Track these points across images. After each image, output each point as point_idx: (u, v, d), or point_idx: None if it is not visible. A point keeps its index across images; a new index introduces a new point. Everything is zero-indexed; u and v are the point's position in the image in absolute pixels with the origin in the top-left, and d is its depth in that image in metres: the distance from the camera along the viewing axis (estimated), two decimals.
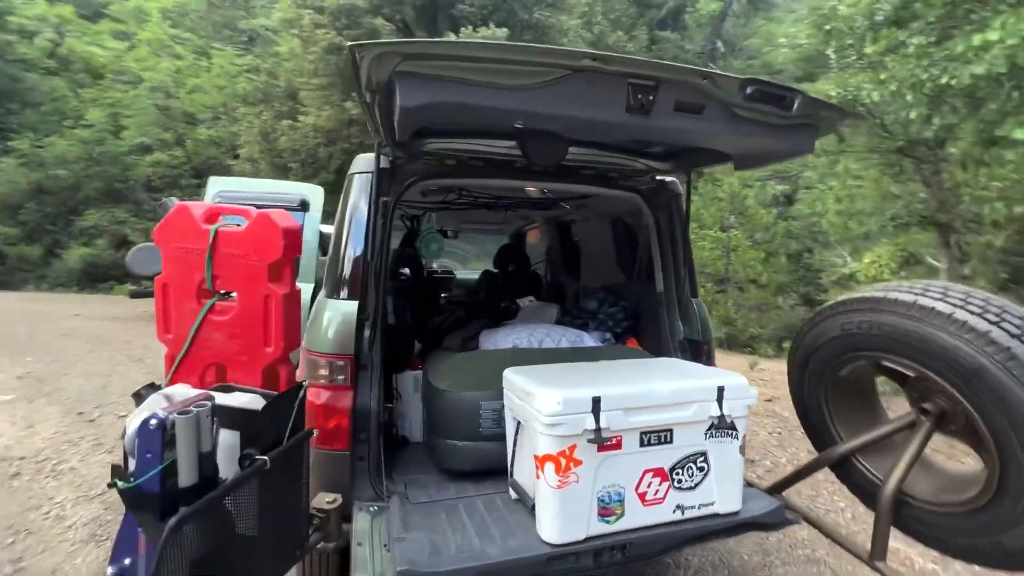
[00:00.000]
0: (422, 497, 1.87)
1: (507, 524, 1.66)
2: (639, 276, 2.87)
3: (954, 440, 1.72)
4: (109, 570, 1.23)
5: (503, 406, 1.97)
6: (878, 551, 1.69)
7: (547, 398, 1.49)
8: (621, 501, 1.57)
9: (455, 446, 1.99)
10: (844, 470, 1.90)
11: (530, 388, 1.59)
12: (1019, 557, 1.42)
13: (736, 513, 1.72)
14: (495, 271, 4.19)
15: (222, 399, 1.37)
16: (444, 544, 1.53)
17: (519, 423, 1.76)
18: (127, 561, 1.22)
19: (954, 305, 1.46)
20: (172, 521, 1.12)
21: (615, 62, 1.33)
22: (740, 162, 1.93)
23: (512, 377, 1.77)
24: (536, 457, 1.55)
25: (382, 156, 2.04)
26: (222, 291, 1.53)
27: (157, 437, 1.15)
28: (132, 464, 1.24)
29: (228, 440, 1.39)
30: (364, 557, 1.57)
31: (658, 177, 2.50)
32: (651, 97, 1.41)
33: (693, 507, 1.66)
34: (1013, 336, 1.34)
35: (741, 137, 1.59)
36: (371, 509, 1.81)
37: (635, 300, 2.93)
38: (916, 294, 1.56)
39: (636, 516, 1.59)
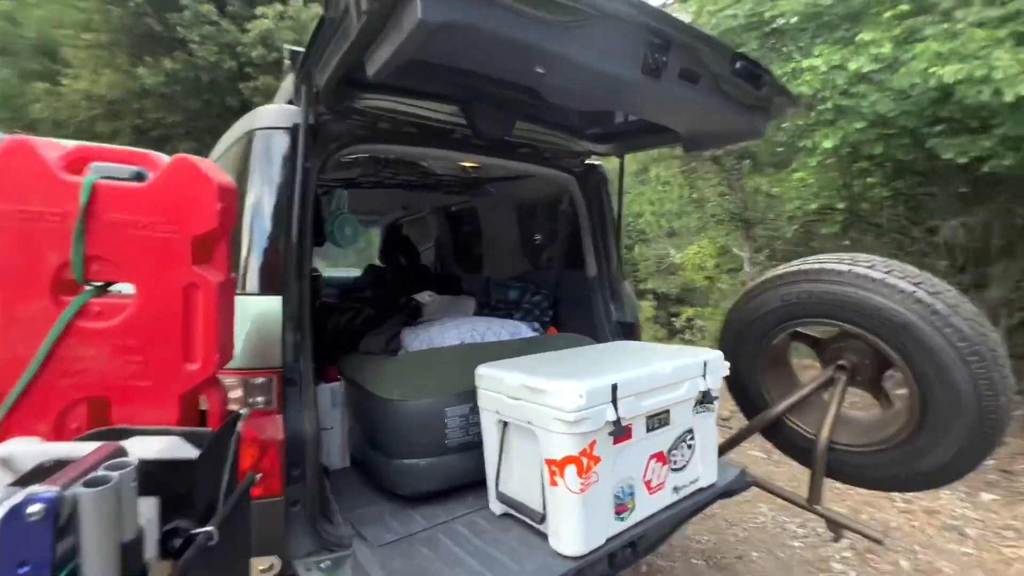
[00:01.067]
0: (387, 535, 1.49)
1: (509, 545, 1.42)
2: (559, 262, 2.81)
3: (860, 390, 2.04)
4: None
5: (471, 411, 1.70)
6: (815, 496, 1.90)
7: (567, 392, 1.30)
8: (632, 494, 1.46)
9: (416, 465, 1.65)
10: (776, 430, 2.10)
11: (537, 384, 1.37)
12: (932, 478, 1.71)
13: (714, 485, 1.75)
14: (381, 266, 3.75)
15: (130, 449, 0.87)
16: None
17: (505, 425, 1.53)
18: None
19: (883, 272, 1.70)
20: None
21: (643, 11, 1.21)
22: (690, 143, 1.97)
23: (497, 374, 1.52)
24: (552, 462, 1.34)
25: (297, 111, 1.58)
26: (99, 283, 0.97)
27: (45, 533, 0.65)
28: None
29: (142, 512, 0.89)
30: None
31: (587, 161, 2.47)
32: (664, 59, 1.32)
33: (685, 486, 1.64)
34: (932, 295, 1.61)
35: (715, 113, 1.61)
36: (322, 566, 1.38)
37: (553, 288, 2.87)
38: (848, 264, 1.77)
39: (644, 507, 1.50)
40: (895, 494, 3.44)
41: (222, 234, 1.00)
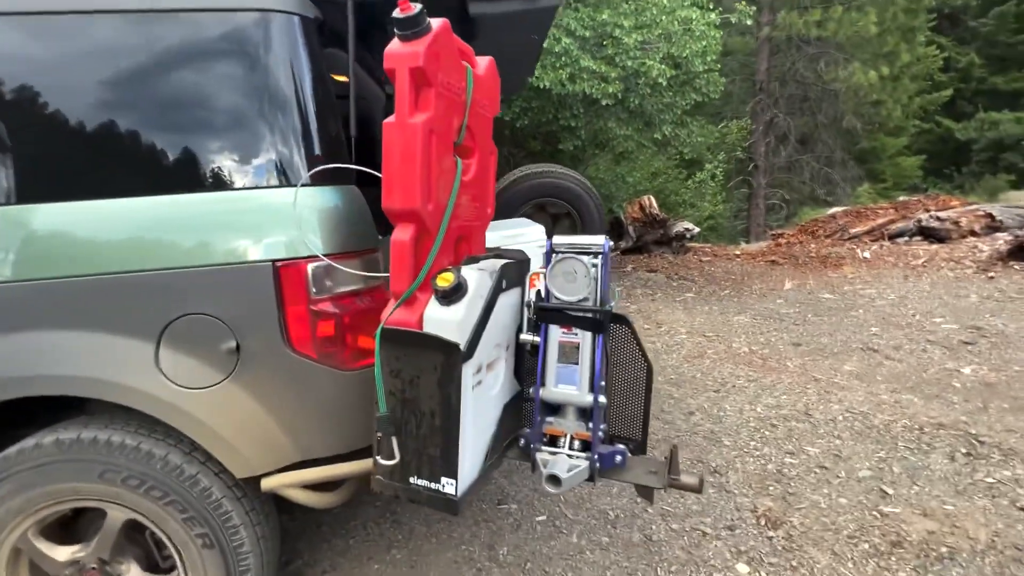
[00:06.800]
0: None
1: None
2: None
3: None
4: (602, 399, 1.21)
5: None
6: None
7: (538, 229, 2.29)
8: None
9: None
10: None
11: (513, 232, 2.28)
12: None
13: None
14: None
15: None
16: None
17: None
18: (603, 383, 1.25)
19: (568, 171, 3.43)
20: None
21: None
22: None
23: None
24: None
25: None
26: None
27: (609, 246, 1.29)
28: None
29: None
30: None
31: None
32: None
33: None
34: (585, 182, 3.47)
35: None
36: None
37: None
38: (553, 168, 3.42)
39: None
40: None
41: None
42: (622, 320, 1.36)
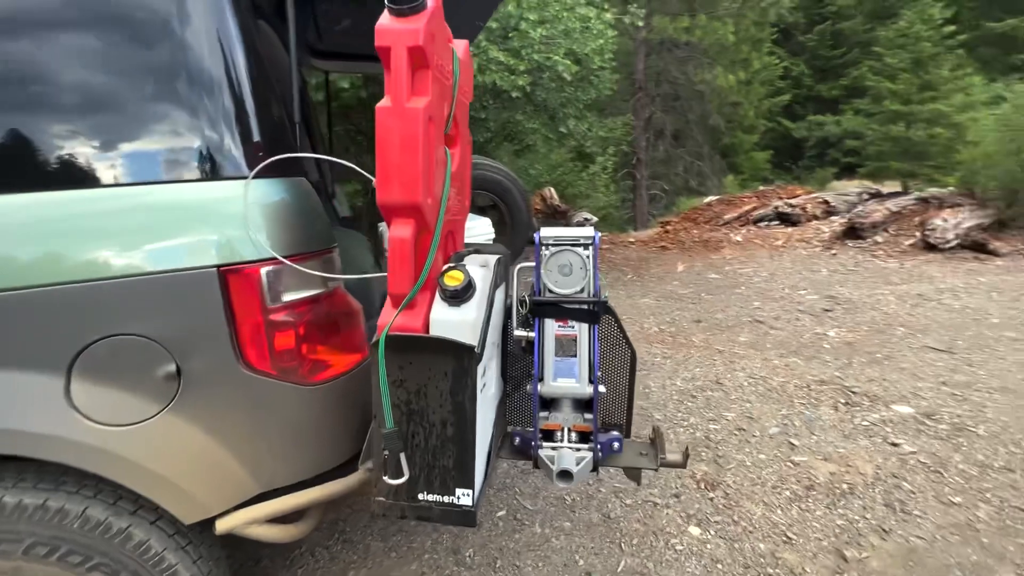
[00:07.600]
0: None
1: None
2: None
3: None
4: (602, 388, 1.21)
5: None
6: None
7: (484, 223, 2.23)
8: None
9: None
10: None
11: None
12: (518, 249, 3.71)
13: None
14: None
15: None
16: None
17: None
18: (600, 373, 1.25)
19: (497, 164, 3.40)
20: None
21: None
22: None
23: None
24: None
25: None
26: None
27: (598, 247, 1.29)
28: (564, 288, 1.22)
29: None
30: None
31: None
32: None
33: None
34: (510, 173, 3.46)
35: None
36: None
37: None
38: (484, 161, 3.36)
39: None
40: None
41: None
42: (607, 310, 1.38)
